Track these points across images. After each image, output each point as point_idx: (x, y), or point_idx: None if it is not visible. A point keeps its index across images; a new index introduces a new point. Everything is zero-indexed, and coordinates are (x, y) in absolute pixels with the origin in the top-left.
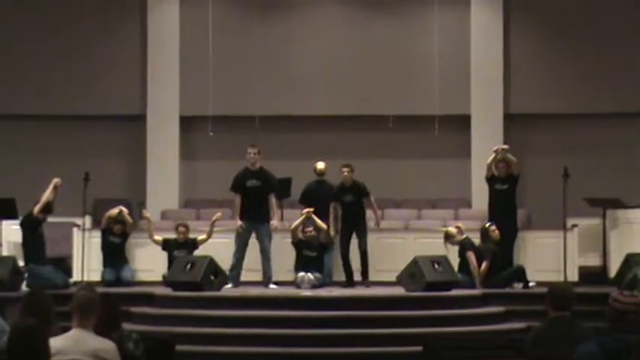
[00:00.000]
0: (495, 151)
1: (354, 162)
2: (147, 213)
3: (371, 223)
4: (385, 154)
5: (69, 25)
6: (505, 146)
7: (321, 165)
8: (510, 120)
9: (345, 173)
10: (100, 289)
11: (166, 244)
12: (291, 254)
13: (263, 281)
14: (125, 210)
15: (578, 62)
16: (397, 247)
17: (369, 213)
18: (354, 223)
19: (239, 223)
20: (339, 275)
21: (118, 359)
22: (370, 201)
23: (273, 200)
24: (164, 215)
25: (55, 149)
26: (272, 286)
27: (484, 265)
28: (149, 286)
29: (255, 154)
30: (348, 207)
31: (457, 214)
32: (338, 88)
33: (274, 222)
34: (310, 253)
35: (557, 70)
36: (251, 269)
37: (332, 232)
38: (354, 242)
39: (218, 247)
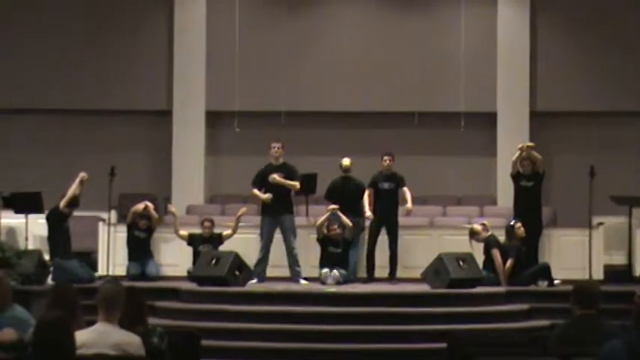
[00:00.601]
0: (520, 149)
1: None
2: (172, 208)
3: (405, 207)
4: (411, 151)
5: (95, 19)
6: (530, 143)
7: (346, 161)
8: (537, 117)
9: (387, 161)
10: (126, 284)
11: (192, 239)
12: (315, 250)
13: (292, 277)
14: (151, 205)
15: (605, 59)
16: (422, 243)
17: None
18: (385, 217)
19: (265, 196)
20: (364, 272)
21: (143, 353)
22: (405, 191)
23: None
24: (189, 210)
25: (81, 144)
26: (302, 281)
27: (509, 262)
28: (174, 280)
29: (279, 148)
30: (383, 195)
31: (482, 211)
32: (364, 84)
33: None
34: (335, 250)
35: (583, 68)
36: (276, 265)
37: (368, 214)
38: (381, 240)
39: (243, 243)
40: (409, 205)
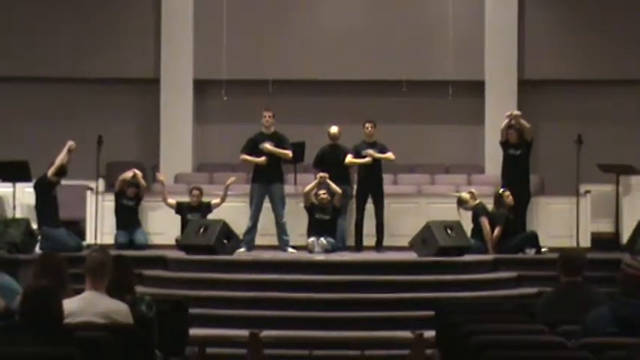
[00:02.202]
0: (508, 117)
1: None
2: (160, 176)
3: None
4: (399, 119)
5: None
6: (517, 112)
7: (334, 129)
8: (525, 85)
9: (369, 128)
10: (113, 252)
11: (180, 208)
12: (304, 219)
13: (279, 246)
14: (139, 173)
15: (593, 28)
16: (410, 212)
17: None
18: (370, 185)
19: (259, 159)
20: (353, 241)
21: (131, 321)
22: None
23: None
24: (178, 179)
25: (68, 112)
26: (290, 250)
27: (497, 230)
28: (162, 249)
29: (270, 117)
30: (366, 163)
31: (470, 180)
32: (352, 52)
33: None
34: (323, 216)
35: (572, 36)
36: (265, 234)
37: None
38: (369, 208)
39: (232, 211)
40: (390, 154)
